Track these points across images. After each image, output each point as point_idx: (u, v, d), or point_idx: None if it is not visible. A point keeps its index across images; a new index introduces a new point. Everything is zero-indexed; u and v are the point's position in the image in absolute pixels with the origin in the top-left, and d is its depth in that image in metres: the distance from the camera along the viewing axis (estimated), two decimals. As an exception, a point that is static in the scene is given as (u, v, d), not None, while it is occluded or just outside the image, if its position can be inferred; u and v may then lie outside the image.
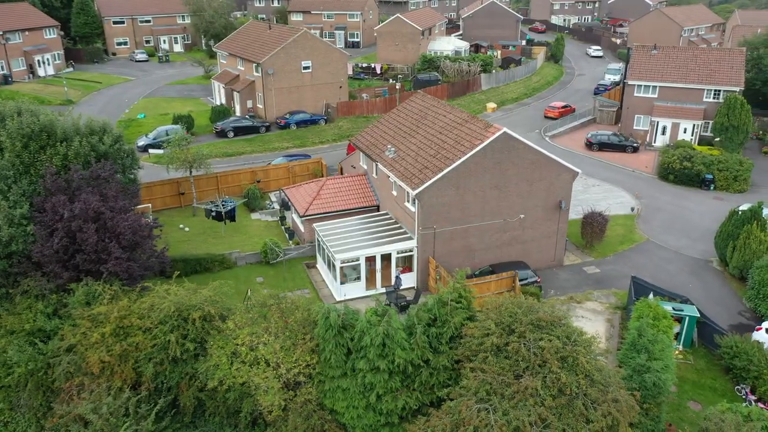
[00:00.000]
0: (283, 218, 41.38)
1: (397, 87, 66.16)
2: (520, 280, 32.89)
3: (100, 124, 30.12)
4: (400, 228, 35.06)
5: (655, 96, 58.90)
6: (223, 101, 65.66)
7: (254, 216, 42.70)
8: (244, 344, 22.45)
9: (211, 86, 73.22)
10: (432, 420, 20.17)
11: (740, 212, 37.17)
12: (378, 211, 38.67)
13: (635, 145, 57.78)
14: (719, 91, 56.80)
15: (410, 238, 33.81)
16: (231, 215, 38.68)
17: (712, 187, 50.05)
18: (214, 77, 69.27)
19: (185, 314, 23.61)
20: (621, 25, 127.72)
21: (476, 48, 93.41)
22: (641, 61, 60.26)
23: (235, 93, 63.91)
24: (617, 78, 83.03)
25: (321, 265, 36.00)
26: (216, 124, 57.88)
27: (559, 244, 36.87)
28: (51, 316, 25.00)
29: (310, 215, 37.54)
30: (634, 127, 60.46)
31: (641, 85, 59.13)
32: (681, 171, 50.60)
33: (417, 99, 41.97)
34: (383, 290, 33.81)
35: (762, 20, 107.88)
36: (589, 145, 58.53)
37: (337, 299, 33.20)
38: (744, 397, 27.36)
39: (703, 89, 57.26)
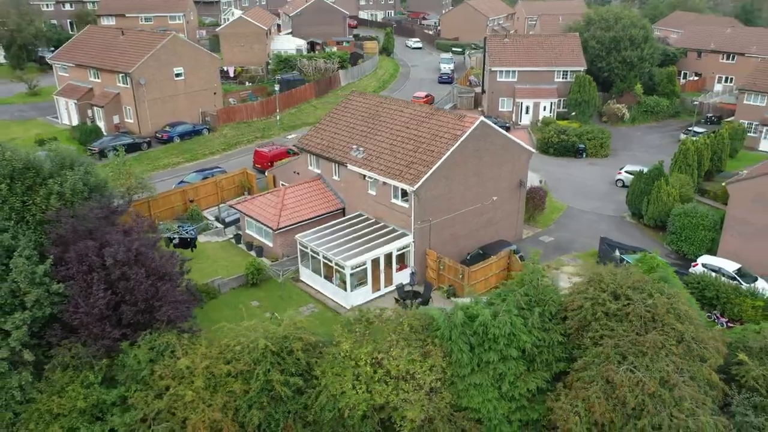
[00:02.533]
0: (238, 236, 38.46)
1: (276, 89, 64.14)
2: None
3: (67, 153, 25.35)
4: (386, 226, 35.01)
5: (515, 80, 65.47)
6: (77, 119, 57.56)
7: (201, 238, 38.94)
8: (366, 364, 21.23)
9: (42, 104, 63.70)
10: (576, 392, 21.35)
11: (646, 172, 43.84)
12: (344, 214, 38.00)
13: (507, 125, 63.65)
14: (566, 71, 65.13)
15: (405, 234, 34.04)
16: (194, 242, 35.03)
17: (585, 155, 57.58)
18: (57, 93, 60.25)
19: (283, 347, 21.51)
20: (424, 18, 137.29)
21: (312, 46, 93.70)
22: (497, 50, 66.38)
23: (96, 109, 56.47)
24: (451, 67, 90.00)
25: (309, 277, 34.46)
26: (91, 145, 50.76)
27: (519, 220, 39.95)
28: (107, 385, 20.81)
29: (283, 228, 35.61)
30: (500, 109, 66.52)
31: (503, 71, 65.23)
32: (559, 144, 57.34)
33: (356, 98, 41.77)
34: (387, 290, 33.75)
35: (544, 9, 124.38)
36: (468, 129, 63.00)
37: (348, 307, 32.32)
38: (716, 321, 32.87)
39: (554, 71, 65.17)
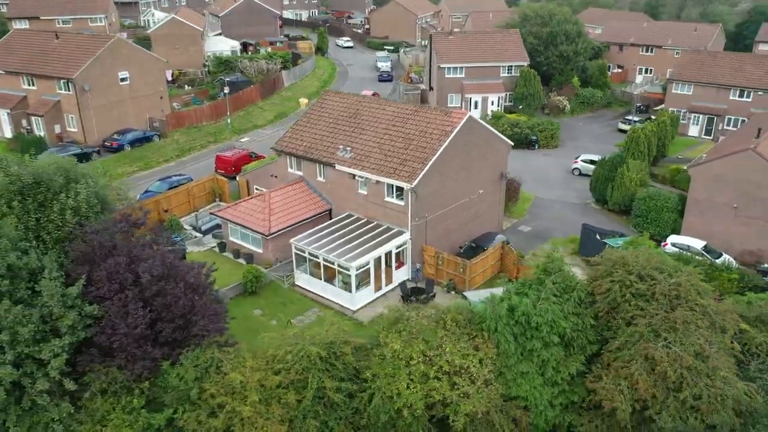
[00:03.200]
0: (223, 244, 37.07)
1: (225, 91, 62.10)
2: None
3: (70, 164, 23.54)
4: (379, 225, 34.88)
5: (463, 76, 66.85)
6: (11, 130, 53.31)
7: (181, 249, 37.24)
8: (420, 362, 21.12)
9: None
10: (618, 371, 22.24)
11: (608, 159, 46.14)
12: (330, 215, 37.53)
13: (458, 120, 64.94)
14: (511, 66, 67.22)
15: (401, 232, 34.07)
16: (184, 253, 33.43)
17: (537, 147, 59.72)
18: (-17, 103, 55.47)
19: (331, 353, 21.04)
20: (350, 17, 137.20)
21: (244, 47, 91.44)
22: (444, 47, 67.50)
23: (34, 118, 52.55)
24: (389, 65, 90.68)
25: (307, 281, 33.79)
26: (37, 157, 47.02)
27: (500, 211, 40.93)
28: (150, 409, 19.49)
29: (275, 233, 34.71)
30: (449, 105, 67.66)
31: (450, 67, 66.40)
32: (512, 136, 58.97)
33: (331, 98, 41.31)
34: (387, 289, 33.71)
35: (466, 6, 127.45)
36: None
37: (354, 309, 32.01)
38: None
39: (499, 66, 67.07)
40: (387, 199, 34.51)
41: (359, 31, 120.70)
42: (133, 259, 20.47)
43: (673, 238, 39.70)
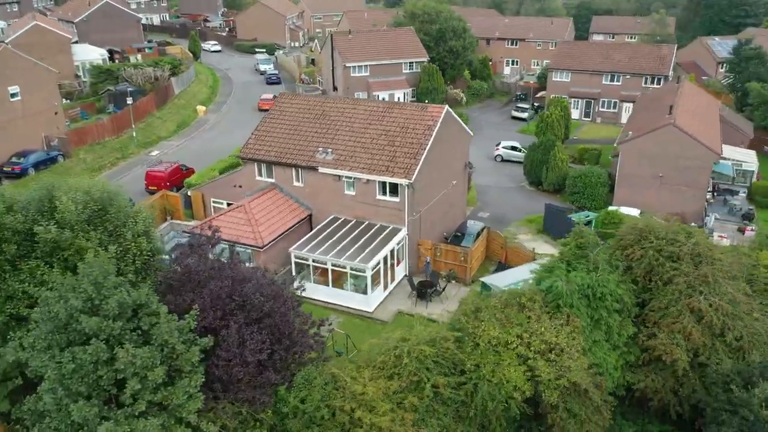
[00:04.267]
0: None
1: (129, 102, 56.76)
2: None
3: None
4: (372, 225, 34.68)
5: (368, 74, 67.65)
6: None
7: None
8: (519, 345, 21.66)
9: None
10: (670, 326, 24.54)
11: (540, 144, 49.74)
12: (311, 220, 36.53)
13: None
14: (412, 62, 69.32)
15: (398, 229, 34.20)
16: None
17: (452, 138, 62.35)
18: None
19: (438, 350, 20.92)
20: (206, 20, 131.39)
21: (111, 54, 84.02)
22: (346, 46, 67.76)
23: None
24: (272, 67, 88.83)
25: (312, 289, 32.55)
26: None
27: (465, 200, 42.49)
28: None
29: (268, 244, 33.07)
30: (356, 104, 68.06)
31: (356, 66, 66.87)
32: (429, 130, 61.19)
33: (287, 100, 39.96)
34: (393, 286, 33.75)
35: (323, 7, 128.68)
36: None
37: (371, 310, 31.68)
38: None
39: (401, 63, 68.85)
40: (379, 197, 34.39)
41: (223, 34, 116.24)
42: (236, 280, 18.66)
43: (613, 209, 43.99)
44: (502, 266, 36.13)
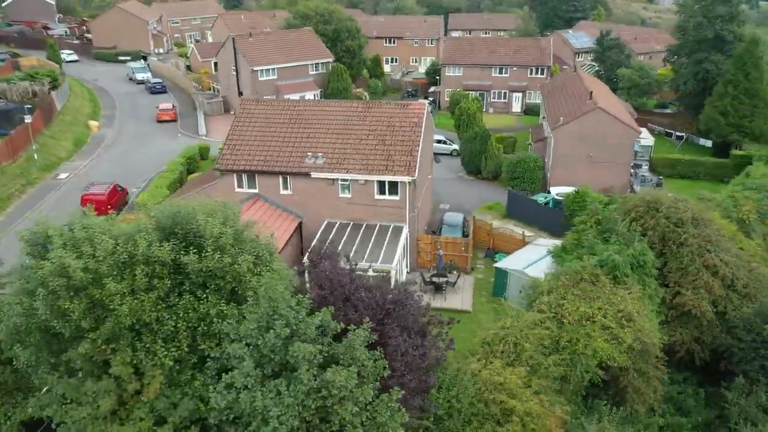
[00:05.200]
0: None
1: (27, 120, 49.79)
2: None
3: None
4: (372, 225, 34.51)
5: (276, 77, 65.93)
6: None
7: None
8: (600, 318, 23.12)
9: None
10: (692, 283, 27.55)
11: (477, 136, 52.18)
12: (301, 228, 35.43)
13: (284, 122, 64.20)
14: (318, 63, 68.76)
15: (399, 227, 34.38)
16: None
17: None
18: None
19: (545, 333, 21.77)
20: (47, 27, 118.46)
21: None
22: (249, 49, 65.39)
23: None
24: (149, 75, 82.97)
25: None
26: None
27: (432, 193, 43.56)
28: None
29: (277, 256, 31.52)
30: (266, 108, 66.05)
31: (263, 69, 64.84)
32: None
33: (253, 106, 38.08)
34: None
35: (180, 11, 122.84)
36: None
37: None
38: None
39: (308, 64, 67.99)
40: (378, 197, 34.28)
41: (75, 42, 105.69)
42: (373, 289, 17.87)
43: (555, 189, 47.61)
44: (491, 252, 37.73)
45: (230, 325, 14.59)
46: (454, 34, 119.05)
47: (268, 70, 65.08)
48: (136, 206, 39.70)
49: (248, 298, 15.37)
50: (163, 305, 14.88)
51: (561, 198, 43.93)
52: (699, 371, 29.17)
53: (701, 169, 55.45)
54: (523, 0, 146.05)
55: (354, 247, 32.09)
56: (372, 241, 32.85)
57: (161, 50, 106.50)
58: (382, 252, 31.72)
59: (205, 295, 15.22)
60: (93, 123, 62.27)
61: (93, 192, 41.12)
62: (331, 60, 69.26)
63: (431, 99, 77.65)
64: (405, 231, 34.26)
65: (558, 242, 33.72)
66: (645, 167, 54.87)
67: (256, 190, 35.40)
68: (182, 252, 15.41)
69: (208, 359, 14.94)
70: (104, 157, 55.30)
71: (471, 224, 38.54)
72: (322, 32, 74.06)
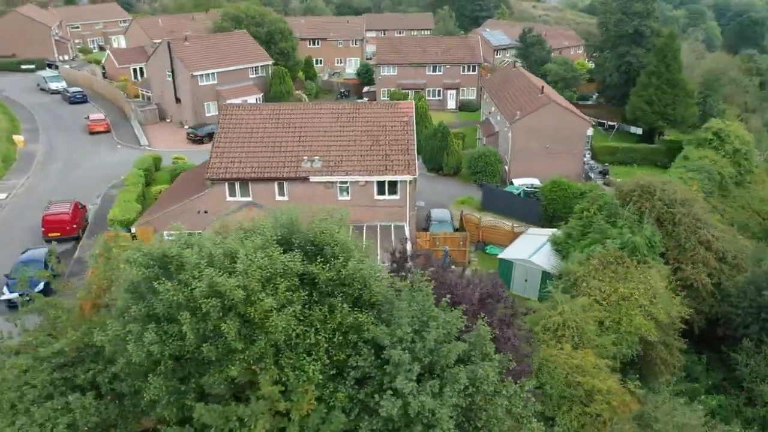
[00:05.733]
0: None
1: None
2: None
3: None
4: (374, 225, 34.41)
5: (216, 82, 63.62)
6: None
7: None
8: (637, 297, 24.49)
9: None
10: (690, 260, 29.76)
11: (438, 133, 53.13)
12: (298, 233, 34.68)
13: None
14: (258, 66, 67.07)
15: (400, 225, 34.53)
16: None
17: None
18: None
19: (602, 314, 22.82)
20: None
21: None
22: (188, 54, 62.66)
23: None
24: (63, 84, 77.45)
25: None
26: None
27: (408, 191, 43.89)
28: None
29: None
30: (207, 114, 63.60)
31: (203, 74, 62.35)
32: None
33: (236, 112, 36.81)
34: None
35: (77, 15, 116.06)
36: (198, 138, 58.82)
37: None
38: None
39: (248, 67, 66.15)
40: (378, 197, 34.22)
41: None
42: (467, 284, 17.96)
43: (518, 181, 49.55)
44: (480, 245, 38.71)
45: (383, 331, 14.22)
46: (370, 34, 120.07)
47: (208, 74, 62.66)
48: (109, 224, 37.12)
49: (375, 304, 15.05)
50: (302, 318, 14.23)
51: (531, 189, 45.88)
52: (695, 340, 31.57)
53: (637, 155, 59.65)
54: (429, 0, 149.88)
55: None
56: (379, 242, 32.73)
57: (66, 57, 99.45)
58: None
59: (339, 304, 14.69)
60: (18, 138, 57.26)
61: (55, 212, 37.99)
62: (270, 63, 67.78)
63: (367, 98, 77.99)
64: (407, 229, 34.45)
65: (550, 231, 35.35)
66: (588, 156, 58.21)
67: (249, 198, 34.25)
68: (306, 262, 14.83)
69: (348, 369, 14.47)
70: (42, 174, 51.06)
71: (458, 218, 39.29)
72: (255, 35, 72.24)
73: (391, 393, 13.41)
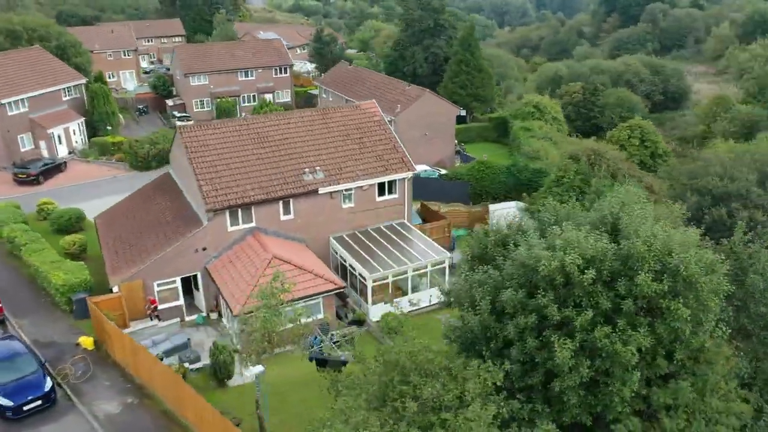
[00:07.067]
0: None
1: None
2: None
3: None
4: (376, 227, 33.92)
5: (27, 109, 52.42)
6: None
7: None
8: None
9: None
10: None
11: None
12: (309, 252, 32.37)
13: (65, 161, 51.77)
14: (70, 87, 56.99)
15: (402, 222, 34.64)
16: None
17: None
18: None
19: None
20: None
21: None
22: (-18, 78, 50.39)
23: None
24: None
25: (381, 309, 30.59)
26: None
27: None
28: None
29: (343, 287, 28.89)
30: (23, 149, 52.23)
31: (9, 102, 50.80)
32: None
33: (194, 132, 32.00)
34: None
35: None
36: (31, 179, 48.23)
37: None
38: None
39: (60, 89, 55.74)
40: (379, 199, 33.74)
41: None
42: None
43: (419, 168, 52.16)
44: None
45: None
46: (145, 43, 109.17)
47: (17, 102, 51.28)
48: (58, 294, 29.39)
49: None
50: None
51: (444, 173, 49.14)
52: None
53: (473, 133, 67.11)
54: (143, 4, 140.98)
55: (393, 250, 31.54)
56: (396, 242, 32.55)
57: None
58: (422, 247, 31.96)
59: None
60: None
61: None
62: (83, 81, 58.08)
63: (183, 115, 71.42)
64: (411, 225, 34.71)
65: (512, 204, 39.15)
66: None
67: (252, 224, 30.66)
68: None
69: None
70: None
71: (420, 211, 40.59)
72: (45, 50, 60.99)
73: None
